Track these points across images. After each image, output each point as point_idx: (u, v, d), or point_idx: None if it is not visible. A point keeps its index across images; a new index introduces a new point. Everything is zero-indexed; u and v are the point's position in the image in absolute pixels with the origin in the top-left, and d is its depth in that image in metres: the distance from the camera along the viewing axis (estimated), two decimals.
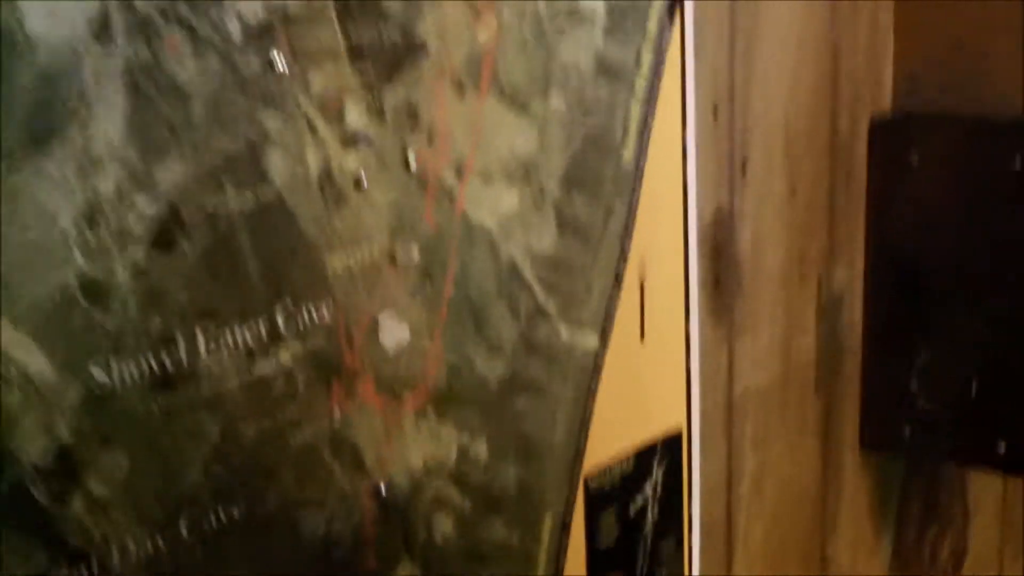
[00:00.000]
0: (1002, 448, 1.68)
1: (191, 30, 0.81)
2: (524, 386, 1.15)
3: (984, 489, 2.18)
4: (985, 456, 1.72)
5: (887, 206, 1.71)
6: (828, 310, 1.66)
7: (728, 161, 1.42)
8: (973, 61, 1.65)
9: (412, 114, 0.99)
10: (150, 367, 0.82)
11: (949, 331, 1.69)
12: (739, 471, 1.52)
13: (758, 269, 1.50)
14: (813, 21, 1.54)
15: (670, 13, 1.26)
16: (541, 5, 1.09)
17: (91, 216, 0.77)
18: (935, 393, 1.72)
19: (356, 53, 0.93)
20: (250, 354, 0.89)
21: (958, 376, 1.69)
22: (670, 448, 1.36)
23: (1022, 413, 1.67)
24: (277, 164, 0.89)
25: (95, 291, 0.78)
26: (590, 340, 1.22)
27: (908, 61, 1.71)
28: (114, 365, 0.80)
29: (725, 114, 1.40)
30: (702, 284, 1.39)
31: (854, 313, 1.73)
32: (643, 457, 1.32)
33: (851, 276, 1.71)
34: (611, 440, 1.27)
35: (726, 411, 1.48)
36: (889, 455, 1.83)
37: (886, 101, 1.72)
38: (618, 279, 1.25)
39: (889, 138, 1.69)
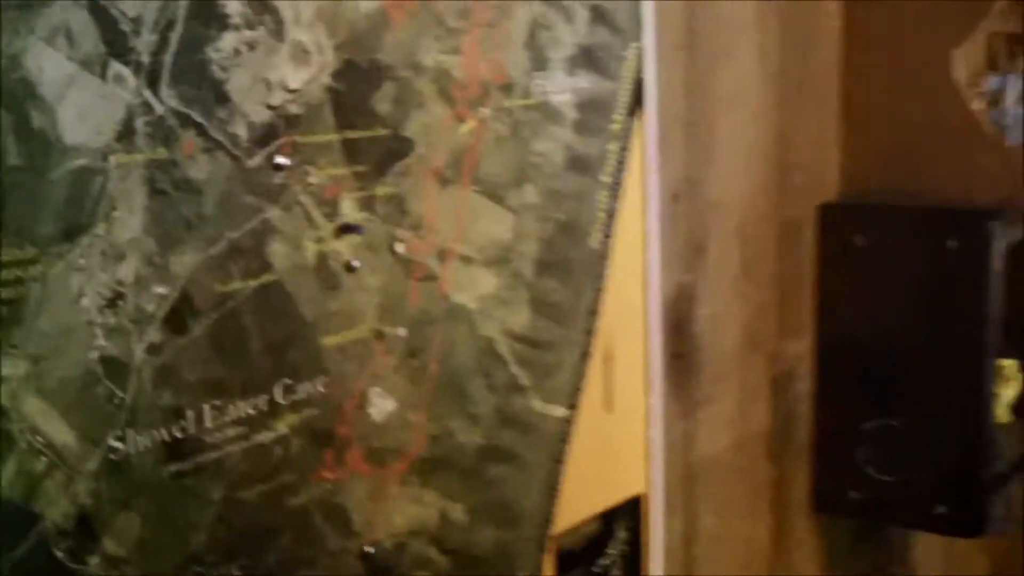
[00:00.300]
0: (941, 510, 1.74)
1: (204, 133, 0.87)
2: (500, 454, 1.20)
3: (928, 550, 2.23)
4: (926, 519, 1.78)
5: (835, 285, 1.78)
6: (780, 382, 1.72)
7: (687, 244, 1.49)
8: (911, 156, 1.73)
9: (400, 205, 1.05)
10: (162, 438, 0.87)
11: (891, 402, 1.75)
12: (697, 533, 1.57)
13: (715, 344, 1.56)
14: (764, 118, 1.61)
15: (633, 111, 1.33)
16: (517, 104, 1.16)
17: (113, 301, 0.82)
18: (879, 460, 1.77)
19: (350, 151, 0.99)
20: (251, 425, 0.94)
21: (899, 444, 1.75)
22: (633, 511, 1.41)
23: (959, 479, 1.73)
24: (278, 252, 0.94)
25: (114, 369, 0.83)
26: (560, 410, 1.27)
27: (853, 154, 1.79)
28: (130, 436, 0.85)
29: (684, 201, 1.47)
30: (663, 358, 1.44)
31: (805, 385, 1.79)
32: (608, 519, 1.37)
33: (802, 350, 1.77)
34: (579, 503, 1.32)
35: (685, 477, 1.53)
36: (839, 518, 1.88)
37: (833, 190, 1.79)
38: (587, 354, 1.30)
39: (836, 223, 1.77)
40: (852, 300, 1.77)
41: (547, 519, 1.27)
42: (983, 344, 1.70)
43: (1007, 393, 2.13)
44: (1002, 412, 2.11)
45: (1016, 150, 1.70)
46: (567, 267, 1.25)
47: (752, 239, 1.62)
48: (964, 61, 1.74)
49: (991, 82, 2.03)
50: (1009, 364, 2.15)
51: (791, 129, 1.68)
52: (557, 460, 1.27)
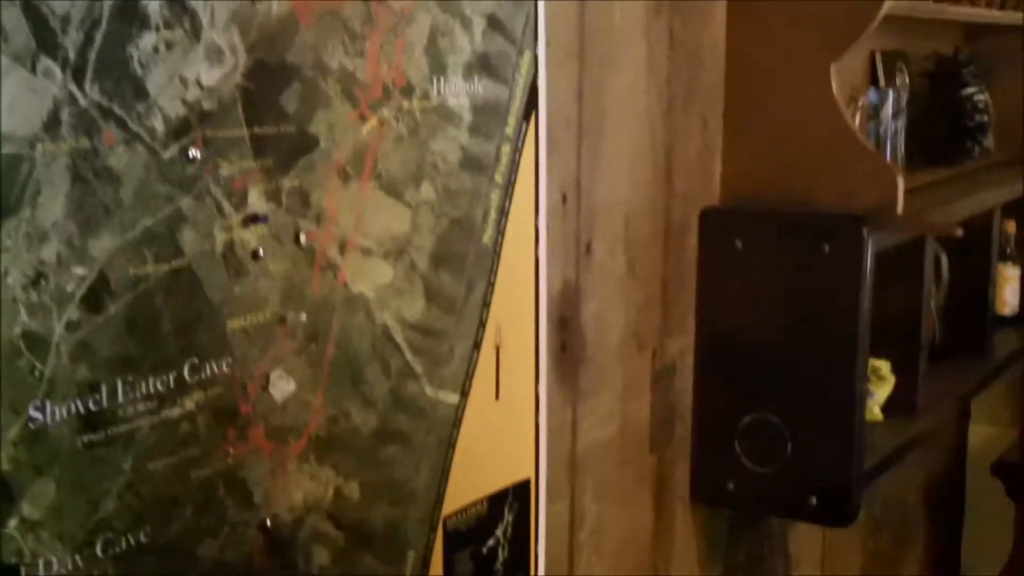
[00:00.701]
0: (813, 502, 1.86)
1: (124, 126, 0.94)
2: (393, 436, 1.28)
3: (806, 540, 2.36)
4: (799, 509, 1.90)
5: (715, 286, 1.89)
6: (662, 377, 1.83)
7: (575, 243, 1.58)
8: (790, 164, 1.85)
9: (304, 198, 1.13)
10: (77, 409, 0.94)
11: (767, 398, 1.87)
12: (581, 518, 1.67)
13: (600, 339, 1.66)
14: (651, 126, 1.72)
15: (526, 115, 1.42)
16: (416, 106, 1.24)
17: (35, 280, 0.89)
18: (756, 453, 1.89)
19: (259, 145, 1.07)
20: (160, 401, 1.01)
21: (775, 438, 1.87)
22: (520, 495, 1.50)
23: (830, 472, 1.85)
24: (189, 239, 1.02)
25: (35, 343, 0.90)
26: (451, 397, 1.36)
27: (735, 162, 1.90)
28: (48, 406, 0.92)
29: (572, 202, 1.57)
30: (550, 351, 1.54)
31: (686, 381, 1.90)
32: (496, 502, 1.46)
33: (683, 348, 1.88)
34: (468, 486, 1.41)
35: (570, 464, 1.63)
36: (716, 508, 2.00)
37: (716, 195, 1.91)
38: (477, 344, 1.39)
39: (717, 227, 1.88)
40: (732, 301, 1.89)
41: (438, 499, 1.36)
42: (855, 344, 1.82)
43: (881, 392, 2.28)
44: (875, 410, 2.25)
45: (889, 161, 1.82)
46: (460, 261, 1.34)
47: (637, 240, 1.72)
48: (843, 76, 1.86)
49: (869, 96, 2.17)
50: (883, 364, 2.29)
51: (676, 137, 1.79)
52: (448, 444, 1.36)
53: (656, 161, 1.75)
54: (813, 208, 1.83)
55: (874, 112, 2.23)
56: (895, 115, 2.27)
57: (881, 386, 2.28)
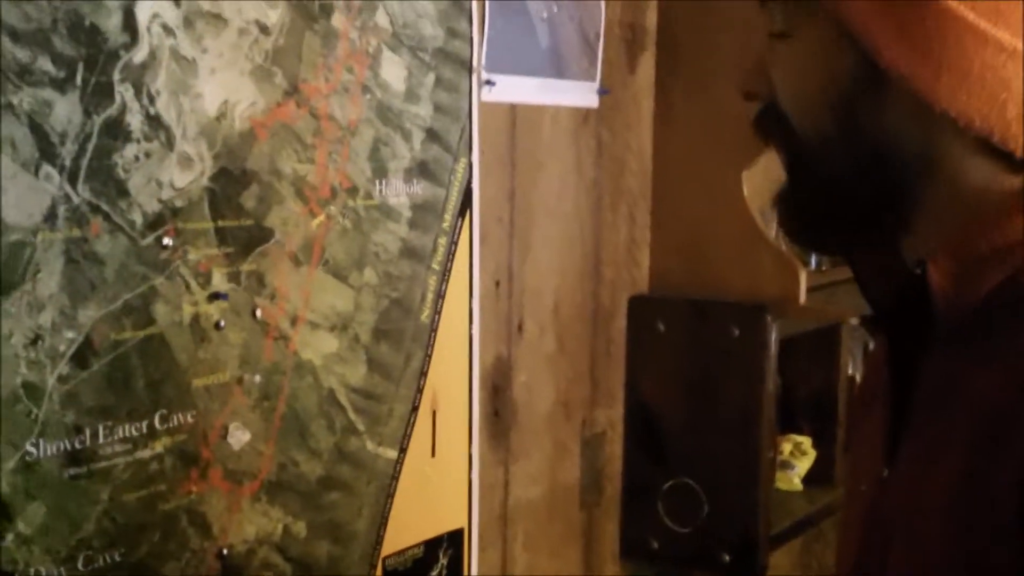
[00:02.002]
0: (726, 559, 2.05)
1: (108, 218, 1.16)
2: (336, 484, 1.47)
3: None
4: (714, 566, 2.08)
5: (641, 363, 2.10)
6: (591, 443, 2.02)
7: (507, 322, 1.79)
8: (706, 258, 2.06)
9: (260, 280, 1.33)
10: (65, 448, 1.14)
11: (686, 464, 2.06)
12: (512, 565, 1.85)
13: (530, 407, 1.86)
14: (580, 222, 1.94)
15: (462, 212, 1.63)
16: (360, 204, 1.46)
17: (34, 341, 1.10)
18: (676, 514, 2.08)
19: (222, 235, 1.28)
20: (134, 443, 1.21)
21: (693, 501, 2.06)
22: (454, 541, 1.69)
23: (740, 532, 2.04)
24: (161, 311, 1.23)
25: (32, 392, 1.10)
26: (391, 453, 1.56)
27: (659, 255, 2.11)
28: (41, 444, 1.12)
29: (504, 287, 1.78)
30: (482, 416, 1.74)
31: (614, 447, 2.09)
32: (431, 546, 1.65)
33: (612, 417, 2.08)
34: (406, 531, 1.59)
35: (501, 517, 1.82)
36: (642, 564, 2.18)
37: (644, 283, 2.12)
38: (415, 407, 1.59)
39: (643, 311, 2.09)
40: (656, 377, 2.09)
41: (377, 541, 1.55)
42: (760, 418, 2.01)
43: (802, 465, 2.47)
44: (796, 481, 2.45)
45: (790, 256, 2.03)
46: (399, 336, 1.55)
47: (567, 321, 1.93)
48: (752, 181, 2.08)
49: (776, 201, 2.38)
50: (805, 440, 2.49)
51: (605, 231, 2.00)
52: (387, 493, 1.55)
53: (585, 252, 1.96)
54: (726, 297, 2.04)
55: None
56: None
57: (803, 460, 2.48)
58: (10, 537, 1.10)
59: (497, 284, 1.76)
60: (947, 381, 0.77)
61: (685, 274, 2.10)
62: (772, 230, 2.20)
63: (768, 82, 0.83)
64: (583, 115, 1.92)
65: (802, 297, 2.00)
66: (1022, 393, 0.69)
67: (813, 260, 2.02)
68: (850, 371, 2.50)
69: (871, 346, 2.75)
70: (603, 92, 1.94)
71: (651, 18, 2.06)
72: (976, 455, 0.71)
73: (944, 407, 0.76)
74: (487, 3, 1.65)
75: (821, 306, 2.05)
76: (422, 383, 1.60)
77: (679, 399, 2.07)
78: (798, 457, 2.47)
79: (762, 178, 2.16)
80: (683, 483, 2.07)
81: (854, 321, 2.15)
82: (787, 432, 2.44)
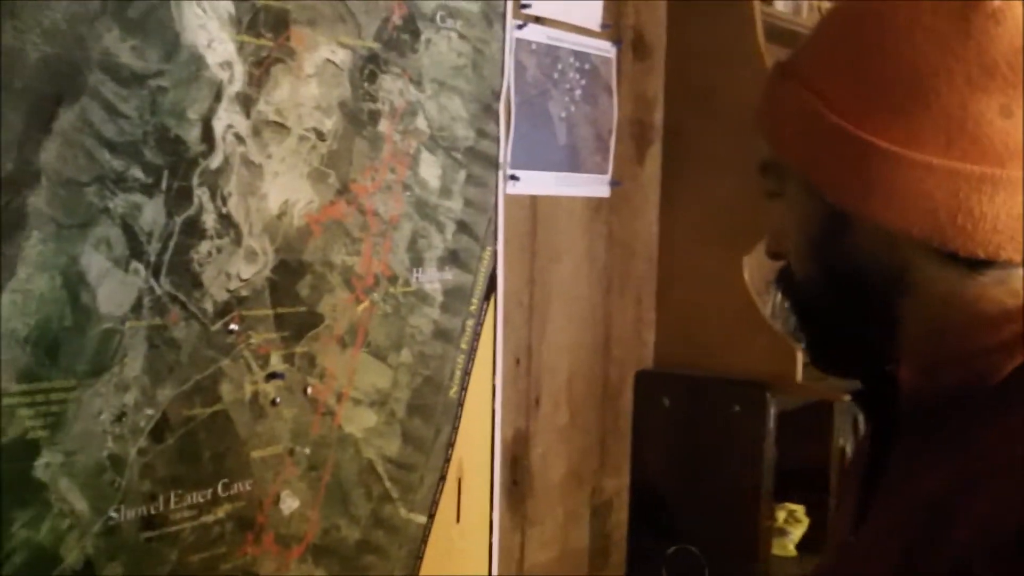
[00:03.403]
0: None
1: (184, 307, 1.27)
2: (372, 548, 1.58)
3: None
4: None
5: (647, 436, 2.21)
6: (599, 510, 2.13)
7: (525, 397, 1.90)
8: (709, 337, 2.18)
9: (311, 360, 1.45)
10: (141, 513, 1.25)
11: (689, 531, 2.16)
12: None
13: (545, 476, 1.97)
14: (591, 304, 2.06)
15: (487, 296, 1.75)
16: (399, 291, 1.58)
17: (119, 417, 1.21)
18: None
19: (280, 321, 1.40)
20: (199, 509, 1.32)
21: (695, 566, 2.16)
22: None
23: None
24: (226, 390, 1.34)
25: (117, 463, 1.22)
26: (421, 518, 1.66)
27: (665, 333, 2.23)
28: (122, 509, 1.23)
29: (524, 365, 1.89)
30: (503, 484, 1.84)
31: (621, 515, 2.20)
32: None
33: (619, 486, 2.19)
34: None
35: None
36: None
37: (649, 359, 2.23)
38: (443, 476, 1.70)
39: (648, 387, 2.20)
40: (660, 449, 2.20)
41: None
42: (759, 488, 2.12)
43: (796, 532, 2.57)
44: (790, 547, 2.54)
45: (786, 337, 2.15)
46: (431, 410, 1.66)
47: (578, 396, 2.04)
48: (752, 266, 2.20)
49: (773, 285, 2.51)
50: (799, 508, 2.59)
51: (614, 313, 2.12)
52: (416, 556, 1.66)
53: (596, 332, 2.08)
54: (727, 374, 2.15)
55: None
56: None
57: (797, 527, 2.58)
58: None
59: (517, 362, 1.87)
60: (905, 470, 0.88)
61: (688, 352, 2.21)
62: (769, 310, 2.33)
63: (786, 242, 0.94)
64: (596, 205, 2.05)
65: (798, 375, 2.12)
66: (958, 495, 0.78)
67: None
68: (841, 443, 2.61)
69: (860, 421, 2.86)
70: (615, 184, 2.06)
71: (658, 116, 2.19)
72: (918, 541, 0.80)
73: (901, 492, 0.87)
74: (512, 106, 1.78)
75: (815, 383, 2.16)
76: (449, 453, 1.71)
77: (682, 469, 2.18)
78: (792, 524, 2.57)
79: (760, 263, 2.29)
80: (685, 549, 2.17)
81: (846, 397, 2.26)
82: (782, 501, 2.54)
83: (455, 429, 1.72)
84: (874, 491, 0.92)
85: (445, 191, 1.65)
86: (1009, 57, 0.82)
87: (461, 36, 1.65)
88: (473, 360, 1.74)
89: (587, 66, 1.96)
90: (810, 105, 0.88)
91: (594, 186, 2.03)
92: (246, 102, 1.32)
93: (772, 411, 2.11)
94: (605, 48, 2.01)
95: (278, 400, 1.41)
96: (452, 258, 1.67)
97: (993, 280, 0.86)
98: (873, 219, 0.85)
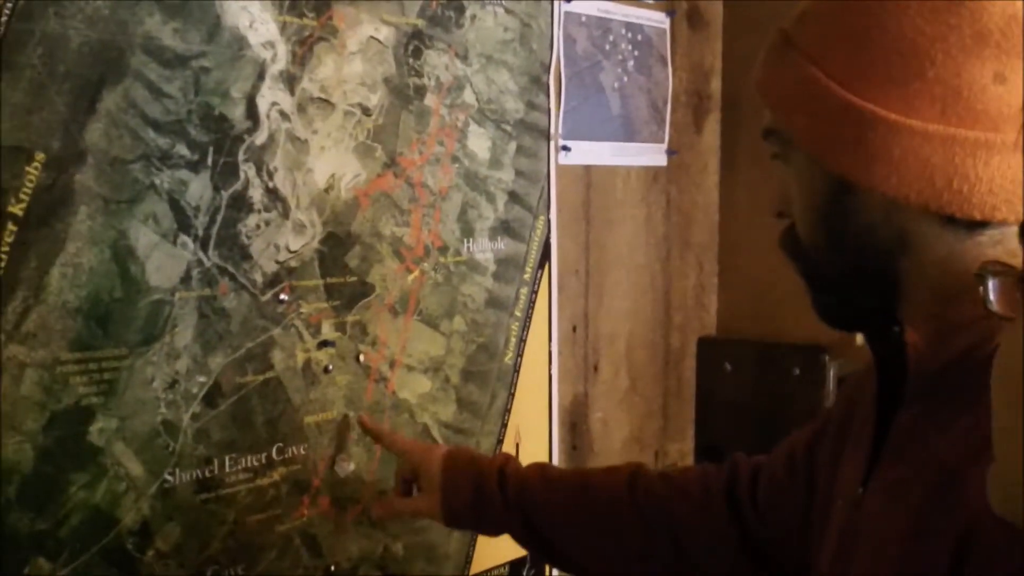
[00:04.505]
0: None
1: (234, 279, 1.30)
2: None
3: None
4: None
5: (709, 400, 2.20)
6: None
7: (583, 364, 1.91)
8: (768, 303, 2.16)
9: (363, 329, 1.47)
10: (196, 476, 1.28)
11: None
12: None
13: (606, 441, 1.97)
14: (650, 272, 2.05)
15: (541, 265, 1.76)
16: (450, 261, 1.59)
17: (171, 384, 1.25)
18: None
19: (330, 291, 1.42)
20: (255, 472, 1.35)
21: None
22: (536, 563, 1.81)
23: None
24: (278, 357, 1.37)
25: (170, 428, 1.25)
26: None
27: (725, 301, 2.22)
28: (177, 473, 1.26)
29: (581, 332, 1.90)
30: (562, 449, 1.85)
31: None
32: (516, 566, 1.76)
33: (683, 449, 2.18)
34: (493, 553, 1.71)
35: None
36: None
37: (712, 326, 2.22)
38: (500, 441, 1.71)
39: (710, 352, 2.19)
40: (723, 413, 2.19)
41: (466, 561, 1.67)
42: None
43: None
44: None
45: None
46: (485, 377, 1.68)
47: (640, 362, 2.04)
48: None
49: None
50: None
51: (674, 280, 2.12)
52: None
53: (656, 299, 2.07)
54: (788, 339, 2.14)
55: None
56: None
57: None
58: (150, 552, 1.24)
59: (574, 329, 1.88)
60: (913, 433, 0.89)
61: (750, 318, 2.20)
62: None
63: (790, 204, 0.96)
64: (653, 174, 2.04)
65: (859, 338, 2.09)
66: (968, 459, 0.78)
67: None
68: None
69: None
70: (671, 153, 2.05)
71: (715, 85, 2.17)
72: (929, 501, 0.82)
73: (910, 453, 0.88)
74: (563, 78, 1.78)
75: None
76: (506, 419, 1.72)
77: (744, 432, 2.17)
78: None
79: None
80: None
81: None
82: None
83: (511, 395, 1.73)
84: (882, 449, 0.93)
85: (495, 162, 1.66)
86: (1002, 25, 0.84)
87: (508, 11, 1.65)
88: (528, 328, 1.75)
89: (639, 37, 1.96)
90: (810, 75, 0.89)
91: (650, 155, 2.02)
92: (290, 80, 1.34)
93: (831, 374, 2.09)
94: (659, 19, 2.00)
95: (330, 367, 1.43)
96: (504, 228, 1.68)
97: (990, 240, 0.87)
98: (872, 185, 0.87)
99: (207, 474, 1.30)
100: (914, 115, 0.85)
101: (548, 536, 1.30)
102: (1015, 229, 0.86)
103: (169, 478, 1.26)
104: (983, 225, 0.87)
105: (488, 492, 1.31)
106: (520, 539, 1.33)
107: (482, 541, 1.68)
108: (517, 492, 1.31)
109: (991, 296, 0.60)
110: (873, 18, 0.87)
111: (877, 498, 0.91)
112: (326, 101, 1.39)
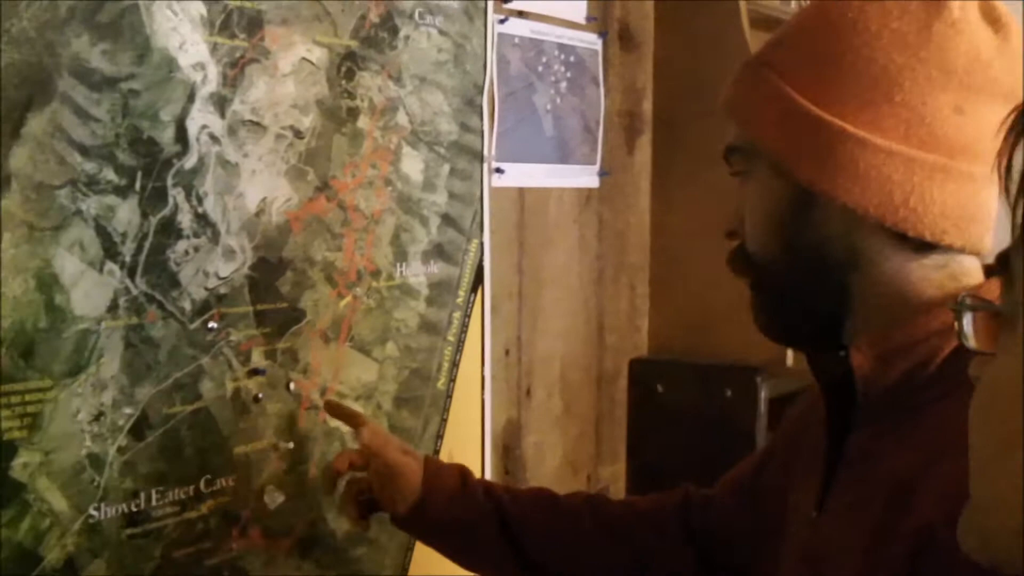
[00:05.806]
0: None
1: (162, 307, 1.27)
2: (362, 540, 1.57)
3: None
4: None
5: (642, 422, 2.20)
6: None
7: (516, 388, 1.90)
8: (700, 324, 2.17)
9: (294, 356, 1.45)
10: (123, 511, 1.25)
11: None
12: None
13: (539, 465, 1.96)
14: (584, 294, 2.05)
15: (474, 288, 1.74)
16: (383, 285, 1.57)
17: (97, 416, 1.21)
18: None
19: (260, 318, 1.40)
20: (182, 506, 1.32)
21: None
22: None
23: None
24: (207, 387, 1.34)
25: (96, 462, 1.21)
26: None
27: (657, 322, 2.22)
28: (103, 508, 1.22)
29: (514, 355, 1.88)
30: (495, 474, 1.84)
31: None
32: None
33: (615, 473, 2.18)
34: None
35: None
36: None
37: (644, 347, 2.22)
38: None
39: (643, 374, 2.19)
40: (655, 435, 2.19)
41: None
42: None
43: None
44: None
45: None
46: (418, 402, 1.66)
47: (572, 385, 2.03)
48: None
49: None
50: None
51: (607, 302, 2.11)
52: (407, 547, 1.65)
53: (589, 321, 2.07)
54: (720, 360, 2.14)
55: None
56: None
57: None
58: None
59: (507, 352, 1.87)
60: (868, 452, 0.92)
61: (682, 339, 2.20)
62: None
63: (743, 224, 1.01)
64: (586, 195, 2.03)
65: (789, 359, 2.11)
66: (921, 469, 0.83)
67: None
68: None
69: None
70: (603, 174, 2.05)
71: (647, 105, 2.18)
72: (887, 513, 0.85)
73: (863, 473, 0.92)
74: (497, 99, 1.77)
75: (807, 367, 2.14)
76: (439, 445, 1.70)
77: (676, 454, 2.17)
78: None
79: None
80: None
81: None
82: None
83: (444, 420, 1.71)
84: (836, 471, 0.96)
85: (429, 185, 1.64)
86: (966, 64, 0.92)
87: (441, 32, 1.64)
88: (461, 352, 1.73)
89: (572, 58, 1.95)
90: (783, 92, 0.96)
91: (583, 177, 2.02)
92: (221, 102, 1.32)
93: (763, 395, 2.10)
94: (591, 40, 2.00)
95: (261, 396, 1.40)
96: (437, 251, 1.67)
97: (934, 264, 0.94)
98: (835, 197, 0.92)
99: (134, 508, 1.26)
100: (880, 134, 0.91)
101: (518, 532, 1.31)
102: (959, 256, 0.95)
103: (95, 513, 1.22)
104: (931, 248, 0.93)
105: (471, 481, 1.34)
106: (488, 539, 1.31)
107: (415, 572, 1.66)
108: (487, 489, 1.34)
109: (967, 330, 0.60)
110: (847, 44, 0.94)
111: (836, 519, 0.94)
112: (257, 124, 1.37)
